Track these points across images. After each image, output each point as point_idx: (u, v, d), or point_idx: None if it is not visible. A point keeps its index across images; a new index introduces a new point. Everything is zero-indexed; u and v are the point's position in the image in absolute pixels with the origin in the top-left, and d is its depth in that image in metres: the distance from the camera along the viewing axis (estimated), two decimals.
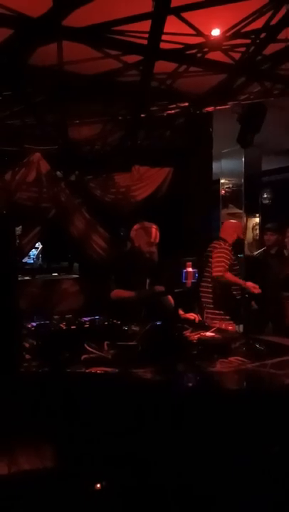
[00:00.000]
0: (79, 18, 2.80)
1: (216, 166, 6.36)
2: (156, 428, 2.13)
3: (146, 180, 5.23)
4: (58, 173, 4.88)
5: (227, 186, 7.99)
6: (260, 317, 4.87)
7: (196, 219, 5.34)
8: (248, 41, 3.29)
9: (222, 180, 7.94)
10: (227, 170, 7.80)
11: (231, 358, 2.66)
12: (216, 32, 3.61)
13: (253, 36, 3.20)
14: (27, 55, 2.95)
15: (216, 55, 3.51)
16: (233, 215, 7.45)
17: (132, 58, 3.43)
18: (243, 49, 3.42)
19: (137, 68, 3.43)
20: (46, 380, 2.40)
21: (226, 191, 7.99)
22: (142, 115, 4.11)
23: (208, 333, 3.07)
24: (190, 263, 4.31)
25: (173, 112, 4.26)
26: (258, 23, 3.12)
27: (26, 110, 3.92)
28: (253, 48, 3.30)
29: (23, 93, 3.60)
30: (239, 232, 4.55)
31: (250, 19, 3.07)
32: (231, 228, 4.53)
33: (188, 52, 3.27)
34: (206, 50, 3.26)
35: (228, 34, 3.19)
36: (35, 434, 2.26)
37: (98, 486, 2.18)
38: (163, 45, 3.08)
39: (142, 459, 2.11)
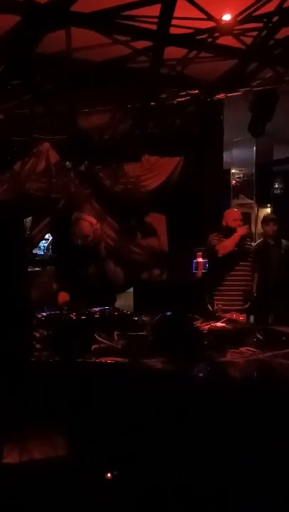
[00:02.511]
0: (88, 3, 2.75)
1: (226, 156, 6.28)
2: (166, 419, 2.12)
3: (156, 170, 5.18)
4: (68, 163, 4.86)
5: (238, 176, 7.89)
6: (263, 308, 4.87)
7: (206, 209, 5.29)
8: (260, 25, 3.20)
9: (233, 170, 7.84)
10: (238, 159, 7.70)
11: (242, 349, 2.64)
12: (227, 17, 3.53)
13: (266, 20, 3.12)
14: (35, 43, 2.91)
15: (227, 40, 3.43)
16: (243, 206, 7.38)
17: (142, 44, 3.37)
18: (254, 33, 3.33)
19: (147, 54, 3.37)
20: (57, 370, 2.41)
21: (236, 181, 7.90)
22: (152, 103, 4.05)
23: (219, 324, 3.05)
24: (200, 253, 4.30)
25: (183, 99, 4.19)
26: (271, 6, 3.03)
27: (35, 99, 3.88)
28: (265, 32, 3.21)
29: (32, 82, 3.57)
30: (227, 219, 4.54)
31: (262, 2, 2.99)
32: (226, 217, 4.55)
33: (198, 37, 3.20)
34: (216, 34, 3.19)
35: (239, 18, 3.11)
36: (45, 423, 2.27)
37: (109, 475, 2.19)
38: (173, 30, 3.02)
39: (149, 451, 2.11)
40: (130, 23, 2.95)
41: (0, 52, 3.03)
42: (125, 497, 2.03)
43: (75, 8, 2.77)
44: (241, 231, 4.40)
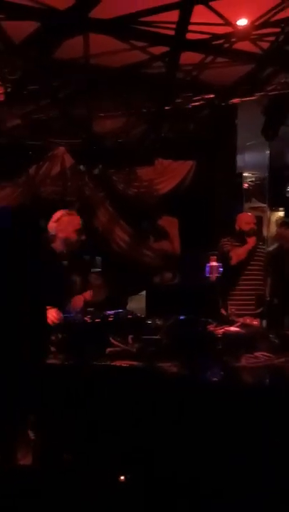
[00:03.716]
0: (106, 9, 2.78)
1: (239, 159, 6.26)
2: (178, 422, 2.13)
3: (169, 174, 5.19)
4: (82, 166, 4.90)
5: (250, 180, 7.87)
6: (279, 312, 4.82)
7: (219, 212, 5.29)
8: (278, 30, 3.21)
9: (245, 174, 7.82)
10: (250, 163, 7.67)
11: (257, 354, 2.63)
12: (242, 22, 3.54)
13: (283, 25, 3.12)
14: (53, 49, 2.94)
15: (244, 45, 3.44)
16: (255, 209, 7.35)
17: (158, 50, 3.39)
18: (272, 38, 3.33)
19: (163, 60, 3.39)
20: (72, 373, 2.42)
21: (249, 185, 7.87)
22: (166, 107, 4.06)
23: (233, 328, 3.03)
24: (214, 257, 4.29)
25: (198, 103, 4.20)
26: (288, 12, 3.04)
27: (52, 104, 3.92)
28: (282, 37, 3.22)
29: (49, 87, 3.61)
30: (240, 223, 4.49)
31: (280, 7, 2.99)
32: (238, 221, 4.53)
33: (215, 42, 3.21)
34: (233, 40, 3.20)
35: (256, 23, 3.12)
36: (59, 425, 2.28)
37: (122, 478, 2.20)
38: (189, 36, 3.04)
39: (161, 452, 2.12)
40: (148, 28, 2.98)
41: (18, 58, 3.07)
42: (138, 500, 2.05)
43: (94, 14, 2.81)
44: (252, 242, 4.34)
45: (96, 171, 4.93)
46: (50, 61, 3.16)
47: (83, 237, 3.27)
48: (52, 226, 3.18)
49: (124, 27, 2.91)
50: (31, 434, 2.31)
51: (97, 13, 2.79)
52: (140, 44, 3.29)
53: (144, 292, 5.56)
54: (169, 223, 5.30)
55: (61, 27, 2.75)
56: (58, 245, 3.18)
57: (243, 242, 4.37)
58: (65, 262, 3.27)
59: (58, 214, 3.23)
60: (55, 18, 2.70)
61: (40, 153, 4.58)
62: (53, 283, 3.10)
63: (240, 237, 4.41)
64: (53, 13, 2.72)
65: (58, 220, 3.17)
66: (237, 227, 4.49)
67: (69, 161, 4.71)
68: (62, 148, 4.63)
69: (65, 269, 3.29)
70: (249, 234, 4.38)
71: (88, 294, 3.35)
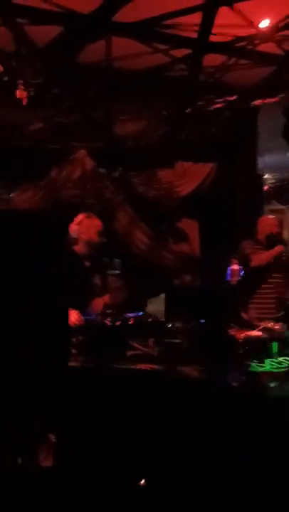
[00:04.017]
0: (128, 13, 2.79)
1: (259, 161, 6.20)
2: (200, 426, 2.11)
3: (189, 176, 5.17)
4: (102, 169, 4.91)
5: (270, 182, 7.79)
6: None
7: (240, 215, 5.24)
8: None
9: (265, 176, 7.75)
10: (271, 165, 7.59)
11: (280, 358, 2.59)
12: (264, 23, 3.50)
13: None
14: (76, 53, 2.96)
15: (266, 47, 3.40)
16: (275, 212, 7.26)
17: (180, 52, 3.38)
18: None
19: (185, 62, 3.38)
20: (94, 375, 2.43)
21: (269, 187, 7.79)
22: (187, 110, 4.05)
23: (255, 332, 3.00)
24: (236, 260, 4.25)
25: (219, 106, 4.18)
26: None
27: (74, 107, 3.95)
28: None
29: (72, 91, 3.63)
30: (263, 227, 4.40)
31: None
32: (261, 224, 4.44)
33: (238, 44, 3.18)
34: (257, 41, 3.17)
35: (280, 25, 3.08)
36: (81, 428, 2.29)
37: (143, 481, 2.19)
38: (212, 38, 3.02)
39: (186, 456, 2.10)
40: (171, 31, 2.97)
41: (41, 62, 3.10)
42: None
43: (116, 17, 2.82)
44: (280, 249, 4.25)
45: (116, 174, 4.94)
46: (73, 65, 3.18)
47: (104, 239, 3.31)
48: (74, 228, 3.23)
49: (147, 30, 2.91)
50: (52, 437, 2.32)
51: (120, 16, 2.80)
52: (162, 47, 3.29)
53: (163, 295, 5.55)
54: (189, 226, 5.28)
55: (84, 31, 2.76)
56: (80, 247, 3.24)
57: (266, 246, 4.31)
58: (87, 264, 3.31)
59: (79, 217, 3.29)
60: (79, 22, 2.72)
61: (61, 157, 4.61)
62: (75, 285, 3.14)
63: (264, 241, 4.34)
64: (77, 17, 2.74)
65: (80, 223, 3.23)
66: (259, 231, 4.41)
67: (89, 163, 4.73)
68: (83, 151, 4.65)
69: (87, 271, 3.32)
70: (275, 239, 4.29)
71: (107, 297, 3.37)
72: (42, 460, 2.21)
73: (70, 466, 2.29)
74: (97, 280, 3.36)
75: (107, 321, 2.99)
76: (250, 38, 3.18)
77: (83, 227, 3.24)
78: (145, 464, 2.21)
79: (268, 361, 2.53)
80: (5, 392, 1.97)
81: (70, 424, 2.30)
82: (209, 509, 2.03)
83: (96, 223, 3.30)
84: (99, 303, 3.28)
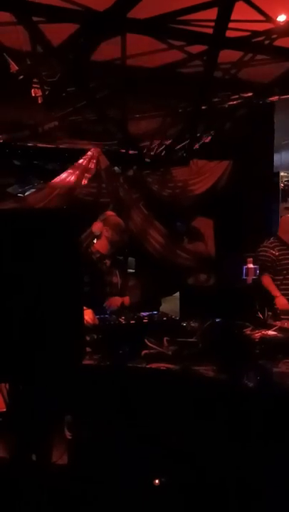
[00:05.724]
0: (143, 9, 2.77)
1: (275, 158, 6.12)
2: (217, 427, 2.09)
3: (204, 174, 5.13)
4: (116, 168, 4.91)
5: (286, 179, 7.69)
6: None
7: (256, 213, 5.17)
8: None
9: (281, 173, 7.65)
10: (287, 162, 7.50)
11: None
12: (282, 18, 3.44)
13: None
14: (91, 50, 2.96)
15: (283, 42, 3.34)
16: None
17: (196, 48, 3.35)
18: None
19: (201, 58, 3.34)
20: (109, 374, 2.42)
21: (284, 184, 7.70)
22: (203, 107, 4.01)
23: (271, 332, 2.95)
24: (251, 259, 4.19)
25: (235, 102, 4.13)
26: None
27: (88, 106, 3.95)
28: None
29: (87, 89, 3.63)
30: (286, 226, 4.30)
31: None
32: (286, 224, 4.34)
33: (255, 39, 3.13)
34: (274, 36, 3.11)
35: None
36: (95, 426, 2.29)
37: (157, 481, 2.18)
38: (228, 33, 2.98)
39: (201, 455, 2.08)
40: (186, 27, 2.94)
41: (57, 60, 3.10)
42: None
43: (131, 14, 2.80)
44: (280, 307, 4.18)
45: (130, 172, 4.93)
46: (88, 63, 3.17)
47: (127, 238, 3.35)
48: (98, 226, 3.27)
49: (162, 26, 2.89)
50: (67, 434, 2.33)
51: (134, 13, 2.78)
52: (177, 43, 3.25)
53: (177, 294, 5.53)
54: (204, 224, 5.24)
55: (100, 28, 2.75)
56: (102, 245, 3.27)
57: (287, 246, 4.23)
58: (107, 262, 3.32)
59: (103, 215, 3.34)
60: (94, 19, 2.71)
61: (76, 155, 4.62)
62: (95, 283, 3.16)
63: (287, 240, 4.25)
64: (92, 14, 2.73)
65: (103, 220, 3.28)
66: (282, 230, 4.31)
67: (104, 162, 4.73)
68: (97, 150, 4.65)
69: (107, 270, 3.33)
70: None
71: (127, 299, 3.38)
72: (56, 457, 2.22)
73: (84, 463, 2.29)
74: (116, 279, 3.37)
75: (122, 320, 2.98)
76: (267, 33, 3.12)
77: (107, 225, 3.28)
78: (158, 462, 2.20)
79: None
80: (20, 390, 1.97)
81: (84, 422, 2.30)
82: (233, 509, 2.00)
83: (120, 222, 3.35)
84: (116, 301, 3.29)
